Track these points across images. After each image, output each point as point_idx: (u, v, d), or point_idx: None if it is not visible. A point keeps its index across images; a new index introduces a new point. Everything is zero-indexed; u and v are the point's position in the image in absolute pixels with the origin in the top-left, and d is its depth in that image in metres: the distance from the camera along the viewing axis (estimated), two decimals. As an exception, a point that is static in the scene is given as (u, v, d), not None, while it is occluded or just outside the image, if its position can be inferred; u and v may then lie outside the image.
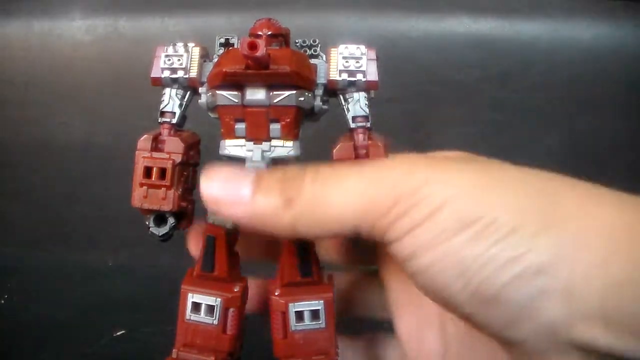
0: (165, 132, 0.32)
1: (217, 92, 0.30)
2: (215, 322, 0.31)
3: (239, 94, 0.29)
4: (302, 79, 0.29)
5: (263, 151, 0.30)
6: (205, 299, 0.31)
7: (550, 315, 0.21)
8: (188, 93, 0.32)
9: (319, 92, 0.31)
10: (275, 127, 0.30)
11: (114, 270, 0.65)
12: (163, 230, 0.31)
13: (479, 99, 0.63)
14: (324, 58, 0.32)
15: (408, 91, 0.62)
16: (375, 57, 0.31)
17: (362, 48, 0.31)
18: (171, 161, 0.30)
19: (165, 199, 0.30)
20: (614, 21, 0.62)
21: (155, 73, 0.32)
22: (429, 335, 0.32)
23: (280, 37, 0.31)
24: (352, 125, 0.31)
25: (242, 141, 0.30)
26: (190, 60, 0.32)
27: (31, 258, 0.64)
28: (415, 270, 0.24)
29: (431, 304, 0.26)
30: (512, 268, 0.22)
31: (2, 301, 0.59)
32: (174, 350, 0.31)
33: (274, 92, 0.29)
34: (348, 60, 0.31)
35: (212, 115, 0.31)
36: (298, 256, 0.31)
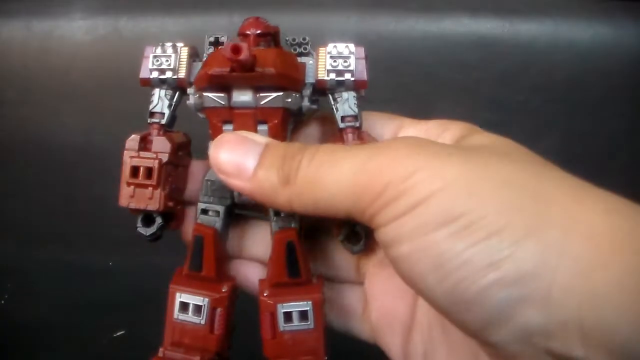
0: (154, 132, 0.32)
1: (204, 94, 0.30)
2: (203, 321, 0.31)
3: (226, 95, 0.29)
4: (288, 81, 0.29)
5: None
6: (192, 299, 0.31)
7: (528, 322, 0.21)
8: (177, 93, 0.32)
9: (308, 92, 0.31)
10: (262, 129, 0.30)
11: (114, 270, 0.65)
12: (150, 230, 0.31)
13: (478, 99, 0.62)
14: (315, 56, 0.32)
15: (407, 91, 0.62)
16: (364, 56, 0.31)
17: (351, 47, 0.31)
18: (158, 160, 0.30)
19: (152, 199, 0.30)
20: (613, 21, 0.62)
21: (143, 74, 0.32)
22: (400, 305, 0.32)
23: (269, 36, 0.31)
24: (341, 125, 0.31)
25: None
26: (179, 61, 0.32)
27: (31, 258, 0.64)
28: (394, 257, 0.24)
29: None
30: (492, 273, 0.21)
31: (2, 301, 0.59)
32: (160, 349, 0.31)
33: (261, 94, 0.29)
34: (336, 59, 0.31)
35: (201, 115, 0.31)
36: (285, 257, 0.31)
